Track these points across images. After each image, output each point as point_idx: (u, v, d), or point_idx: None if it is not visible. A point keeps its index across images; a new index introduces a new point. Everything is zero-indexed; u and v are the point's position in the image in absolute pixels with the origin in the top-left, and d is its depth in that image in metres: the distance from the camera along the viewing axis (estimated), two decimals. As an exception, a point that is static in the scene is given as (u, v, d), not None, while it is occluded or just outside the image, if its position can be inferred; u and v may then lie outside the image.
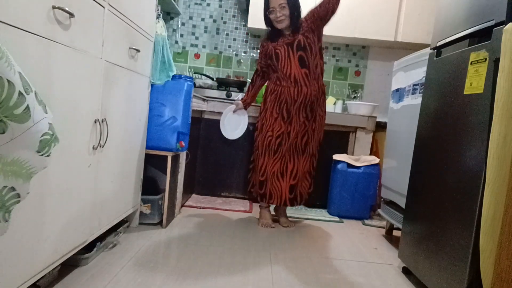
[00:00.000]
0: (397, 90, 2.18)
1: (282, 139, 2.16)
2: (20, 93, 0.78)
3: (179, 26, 3.32)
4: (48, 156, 0.90)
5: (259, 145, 2.21)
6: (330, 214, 2.64)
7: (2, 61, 0.73)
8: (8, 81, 0.75)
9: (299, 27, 2.11)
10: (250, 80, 2.40)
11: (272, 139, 2.16)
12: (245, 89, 3.18)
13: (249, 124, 2.53)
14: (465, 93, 1.29)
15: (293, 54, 2.09)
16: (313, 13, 2.09)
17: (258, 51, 3.32)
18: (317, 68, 2.14)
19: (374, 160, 2.58)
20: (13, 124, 0.78)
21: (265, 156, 2.18)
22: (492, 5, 1.19)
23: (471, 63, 1.27)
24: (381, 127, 2.74)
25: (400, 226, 1.86)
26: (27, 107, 0.80)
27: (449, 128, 1.38)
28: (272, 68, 2.19)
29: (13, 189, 0.83)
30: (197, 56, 3.34)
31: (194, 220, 2.18)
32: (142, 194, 1.94)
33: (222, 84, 3.02)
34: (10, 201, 0.84)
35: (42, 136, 0.86)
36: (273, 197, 2.20)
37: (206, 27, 3.32)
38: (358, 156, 2.68)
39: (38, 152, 0.86)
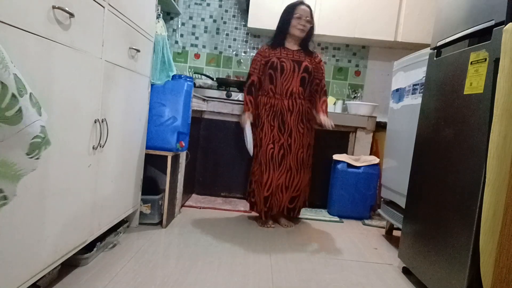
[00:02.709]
0: (397, 90, 2.18)
1: (285, 151, 2.15)
2: (13, 95, 0.77)
3: (179, 26, 3.32)
4: (37, 159, 0.90)
5: (261, 160, 2.17)
6: (330, 214, 2.64)
7: None
8: (2, 83, 0.74)
9: (308, 51, 2.21)
10: (246, 91, 2.25)
11: (275, 151, 2.14)
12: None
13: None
14: (465, 93, 1.29)
15: (298, 72, 2.13)
16: (316, 77, 2.24)
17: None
18: (310, 94, 2.24)
19: (374, 160, 2.58)
20: (3, 125, 0.78)
21: (269, 170, 2.15)
22: (492, 5, 1.20)
23: (471, 63, 1.27)
24: (381, 127, 2.74)
25: (400, 226, 1.86)
26: (19, 109, 0.79)
27: (449, 128, 1.38)
28: (269, 78, 2.16)
29: (0, 190, 0.83)
30: (197, 56, 3.34)
31: (194, 220, 2.18)
32: (142, 194, 1.94)
33: (222, 84, 3.02)
34: None
35: (32, 138, 0.86)
36: (273, 208, 2.20)
37: (206, 27, 3.32)
38: (358, 156, 2.68)
39: (27, 154, 0.86)
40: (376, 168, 2.57)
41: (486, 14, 1.22)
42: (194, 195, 2.81)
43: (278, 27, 2.21)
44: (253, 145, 2.23)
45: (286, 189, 2.18)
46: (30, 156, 0.87)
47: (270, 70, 2.15)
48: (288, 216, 2.28)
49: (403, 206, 1.79)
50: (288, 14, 2.15)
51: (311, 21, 2.17)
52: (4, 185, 0.83)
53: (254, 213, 2.45)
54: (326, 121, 2.15)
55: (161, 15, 1.97)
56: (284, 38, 2.19)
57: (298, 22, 2.13)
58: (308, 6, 2.17)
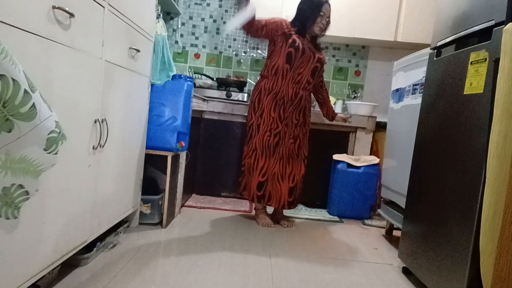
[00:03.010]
0: (397, 90, 2.18)
1: (279, 139, 2.18)
2: (25, 91, 0.78)
3: (179, 26, 3.32)
4: (56, 154, 0.90)
5: (257, 146, 2.19)
6: (330, 214, 2.64)
7: (6, 59, 0.73)
8: (13, 79, 0.75)
9: (317, 45, 2.26)
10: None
11: (271, 138, 2.17)
12: (245, 89, 3.18)
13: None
14: (465, 93, 1.29)
15: (312, 61, 2.16)
16: (320, 76, 2.31)
17: (257, 49, 3.32)
18: (314, 87, 2.31)
19: (374, 160, 2.58)
20: (19, 122, 0.78)
21: (265, 156, 2.18)
22: (492, 5, 1.20)
23: (471, 63, 1.27)
24: (381, 127, 2.74)
25: (400, 226, 1.86)
26: (33, 105, 0.80)
27: (449, 128, 1.38)
28: (287, 56, 2.09)
29: (21, 186, 0.84)
30: (197, 56, 3.34)
31: (194, 220, 2.18)
32: (142, 194, 1.94)
33: (222, 84, 3.02)
34: (19, 198, 0.84)
35: (49, 134, 0.86)
36: (272, 199, 2.21)
37: (206, 27, 3.32)
38: (358, 156, 2.68)
39: (45, 150, 0.87)
40: (376, 168, 2.57)
41: (486, 14, 1.22)
42: (194, 195, 2.81)
43: (302, 18, 2.17)
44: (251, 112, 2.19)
45: (282, 178, 2.20)
46: (48, 151, 0.87)
47: (290, 48, 2.10)
48: (289, 208, 2.29)
49: (403, 206, 1.79)
50: (314, 10, 2.14)
51: (329, 20, 2.20)
52: (25, 181, 0.84)
53: (254, 213, 2.45)
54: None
55: (161, 15, 1.97)
56: (305, 31, 2.19)
57: (321, 20, 2.15)
58: (330, 5, 2.19)
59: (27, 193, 0.86)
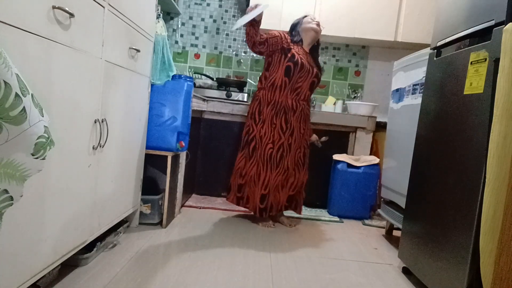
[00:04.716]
0: (397, 90, 2.18)
1: (284, 151, 2.15)
2: (16, 95, 0.77)
3: (179, 26, 3.32)
4: (43, 159, 0.89)
5: (259, 159, 2.15)
6: (330, 214, 2.64)
7: (0, 62, 0.73)
8: (5, 82, 0.74)
9: (317, 62, 2.26)
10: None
11: (273, 151, 2.13)
12: (245, 89, 3.18)
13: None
14: (465, 93, 1.29)
15: (311, 75, 2.16)
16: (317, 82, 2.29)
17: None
18: (310, 99, 2.32)
19: (374, 160, 2.58)
20: (8, 125, 0.77)
21: (267, 169, 2.14)
22: (492, 5, 1.20)
23: (471, 63, 1.27)
24: (381, 127, 2.74)
25: (400, 226, 1.86)
26: (23, 109, 0.79)
27: (449, 128, 1.38)
28: (286, 70, 2.08)
29: (6, 191, 0.81)
30: (197, 56, 3.34)
31: (194, 220, 2.18)
32: (142, 194, 1.94)
33: (222, 84, 3.02)
34: (3, 204, 0.81)
35: (37, 139, 0.85)
36: (272, 209, 2.20)
37: (206, 27, 3.32)
38: (358, 156, 2.68)
39: (33, 155, 0.85)
40: (376, 168, 2.57)
41: (486, 14, 1.22)
42: (194, 195, 2.81)
43: (293, 26, 2.24)
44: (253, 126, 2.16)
45: (282, 188, 2.20)
46: (35, 156, 0.86)
47: (289, 63, 2.08)
48: (285, 210, 2.31)
49: (403, 206, 1.79)
50: (298, 19, 2.22)
51: (318, 22, 2.20)
52: (10, 186, 0.82)
53: (253, 212, 2.45)
54: (317, 140, 2.53)
55: (161, 15, 1.97)
56: (300, 37, 2.20)
57: (310, 18, 2.18)
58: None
59: (11, 198, 0.82)
